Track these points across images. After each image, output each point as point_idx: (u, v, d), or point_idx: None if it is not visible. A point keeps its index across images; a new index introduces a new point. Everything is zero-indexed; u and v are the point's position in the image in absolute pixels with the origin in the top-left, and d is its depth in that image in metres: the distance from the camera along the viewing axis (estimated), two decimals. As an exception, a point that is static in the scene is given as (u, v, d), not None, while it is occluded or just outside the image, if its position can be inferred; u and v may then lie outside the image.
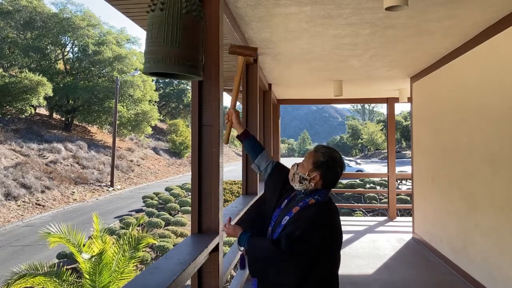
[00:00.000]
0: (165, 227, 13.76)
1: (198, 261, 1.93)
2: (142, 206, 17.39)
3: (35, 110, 25.82)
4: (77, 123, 29.25)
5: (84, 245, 6.73)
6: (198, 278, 2.25)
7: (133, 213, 16.43)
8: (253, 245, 1.81)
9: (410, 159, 6.78)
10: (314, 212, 1.76)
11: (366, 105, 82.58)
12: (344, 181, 18.11)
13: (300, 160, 1.97)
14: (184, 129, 35.02)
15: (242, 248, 1.92)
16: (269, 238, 1.87)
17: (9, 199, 16.14)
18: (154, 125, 32.47)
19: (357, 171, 25.40)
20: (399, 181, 19.55)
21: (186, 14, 1.75)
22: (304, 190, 1.84)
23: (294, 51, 4.61)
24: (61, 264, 9.74)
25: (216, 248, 2.26)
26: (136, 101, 28.31)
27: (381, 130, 50.20)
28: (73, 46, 29.79)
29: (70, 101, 27.16)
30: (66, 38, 28.88)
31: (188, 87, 40.95)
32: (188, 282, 2.09)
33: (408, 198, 13.76)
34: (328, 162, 1.81)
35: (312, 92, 8.14)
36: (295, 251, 1.66)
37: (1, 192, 16.03)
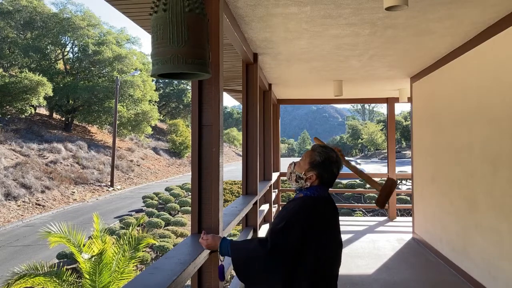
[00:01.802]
0: (165, 227, 13.77)
1: (198, 261, 1.93)
2: (142, 206, 17.39)
3: (35, 110, 25.82)
4: (77, 123, 29.26)
5: (84, 245, 6.74)
6: (198, 278, 2.25)
7: (133, 213, 16.43)
8: (236, 250, 1.78)
9: (410, 159, 6.78)
10: (296, 204, 1.75)
11: (366, 105, 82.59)
12: (344, 181, 18.10)
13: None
14: (184, 129, 35.02)
15: (222, 258, 1.88)
16: (255, 238, 1.86)
17: (9, 199, 16.14)
18: (154, 125, 32.48)
19: (357, 171, 25.34)
20: (399, 181, 19.54)
21: (189, 12, 1.75)
22: (298, 187, 1.86)
23: (294, 51, 4.61)
24: (61, 264, 9.75)
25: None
26: (136, 101, 28.32)
27: (381, 130, 50.21)
28: (73, 46, 29.83)
29: (70, 101, 27.17)
30: (66, 38, 28.90)
31: (188, 87, 40.95)
32: (188, 282, 2.09)
33: (408, 198, 13.76)
34: (324, 162, 1.81)
35: (312, 92, 8.14)
36: (278, 247, 1.64)
37: (1, 192, 16.03)
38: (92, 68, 28.40)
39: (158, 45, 1.77)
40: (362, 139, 55.08)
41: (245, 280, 1.77)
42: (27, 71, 22.62)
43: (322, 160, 1.81)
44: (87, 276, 6.09)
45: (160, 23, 1.75)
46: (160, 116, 35.90)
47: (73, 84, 26.74)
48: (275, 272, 1.64)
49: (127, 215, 15.67)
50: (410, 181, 6.74)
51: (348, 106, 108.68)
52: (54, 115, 29.41)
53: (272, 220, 1.88)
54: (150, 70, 1.89)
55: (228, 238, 1.89)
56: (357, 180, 19.03)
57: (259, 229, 4.50)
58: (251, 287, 1.80)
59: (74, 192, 19.42)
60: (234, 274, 2.12)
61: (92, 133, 29.85)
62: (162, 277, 1.57)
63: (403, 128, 44.57)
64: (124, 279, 6.28)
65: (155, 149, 33.44)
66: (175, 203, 17.45)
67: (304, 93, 8.28)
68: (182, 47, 1.73)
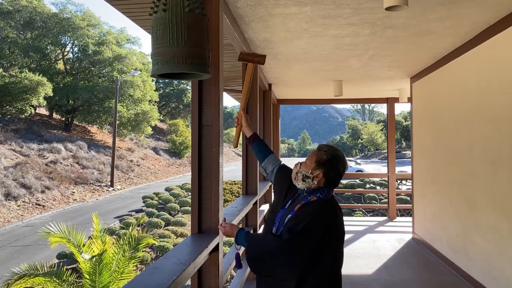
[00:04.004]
0: (165, 227, 13.76)
1: (198, 261, 1.93)
2: (142, 206, 17.39)
3: (35, 110, 25.82)
4: (77, 123, 29.26)
5: (84, 245, 6.73)
6: (198, 278, 2.25)
7: (133, 213, 16.43)
8: (252, 241, 1.82)
9: (410, 159, 6.78)
10: (315, 207, 1.77)
11: (366, 105, 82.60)
12: (344, 181, 18.10)
13: (301, 159, 1.97)
14: (184, 129, 35.02)
15: (239, 247, 1.92)
16: (269, 233, 1.87)
17: (9, 199, 16.13)
18: (154, 125, 32.48)
19: (357, 171, 25.39)
20: (399, 181, 19.54)
21: (189, 13, 1.75)
22: (306, 188, 1.85)
23: (294, 51, 4.61)
24: (61, 264, 9.75)
25: (216, 248, 2.26)
26: (136, 101, 28.31)
27: (381, 130, 50.21)
28: (73, 46, 29.82)
29: (70, 101, 27.17)
30: (66, 38, 28.90)
31: (188, 87, 40.95)
32: (188, 282, 2.09)
33: (408, 198, 13.76)
34: (331, 161, 1.82)
35: (312, 92, 8.14)
36: (296, 244, 1.66)
37: (1, 192, 16.02)
38: (92, 68, 28.39)
39: (158, 45, 1.77)
40: (362, 139, 55.09)
41: (258, 271, 1.79)
42: (27, 71, 22.61)
43: (329, 158, 1.82)
44: (87, 276, 6.09)
45: (160, 23, 1.75)
46: (160, 116, 35.90)
47: (73, 84, 26.73)
48: (290, 268, 1.67)
49: (127, 215, 15.67)
50: (410, 181, 6.74)
51: (348, 106, 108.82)
52: (54, 115, 29.40)
53: (286, 221, 1.89)
54: (150, 70, 1.89)
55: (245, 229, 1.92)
56: (357, 180, 19.06)
57: (259, 229, 4.50)
58: (263, 278, 1.82)
59: (74, 192, 19.42)
60: (235, 274, 2.12)
61: (92, 133, 29.85)
62: (162, 277, 1.57)
63: (403, 128, 44.57)
64: (124, 279, 6.27)
65: (155, 149, 33.44)
66: (175, 203, 17.44)
67: (304, 93, 8.28)
68: (182, 47, 1.73)
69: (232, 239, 1.95)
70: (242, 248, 1.98)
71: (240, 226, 1.99)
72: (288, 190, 2.00)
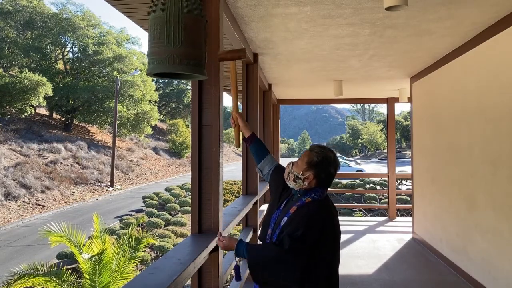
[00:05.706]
0: (165, 227, 13.76)
1: (198, 261, 1.93)
2: (142, 206, 17.39)
3: (35, 110, 25.82)
4: (77, 123, 29.26)
5: (84, 245, 6.73)
6: (198, 278, 2.25)
7: (133, 213, 16.42)
8: (253, 252, 1.80)
9: (410, 159, 6.78)
10: (311, 209, 1.77)
11: (366, 105, 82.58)
12: (344, 181, 18.10)
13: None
14: (184, 129, 35.02)
15: (238, 259, 1.90)
16: (269, 242, 1.86)
17: (9, 199, 16.13)
18: (154, 125, 32.48)
19: (357, 171, 25.37)
20: (399, 181, 19.54)
21: (187, 13, 1.75)
22: (299, 189, 1.86)
23: (294, 51, 4.61)
24: (61, 264, 9.74)
25: (216, 248, 2.26)
26: (136, 101, 28.32)
27: (381, 130, 50.21)
28: (73, 46, 29.82)
29: (70, 101, 27.17)
30: (66, 38, 28.90)
31: (188, 87, 40.96)
32: (188, 282, 2.09)
33: (408, 198, 13.76)
34: (322, 162, 1.83)
35: (312, 92, 8.14)
36: (298, 249, 1.66)
37: (1, 192, 16.02)
38: (92, 68, 28.40)
39: (154, 45, 1.77)
40: (362, 139, 55.04)
41: (260, 281, 1.78)
42: (27, 71, 22.60)
43: (319, 160, 1.83)
44: (87, 276, 6.09)
45: (157, 23, 1.75)
46: (160, 116, 35.90)
47: (73, 84, 26.74)
48: (293, 273, 1.66)
49: (127, 215, 15.66)
50: (410, 181, 6.74)
51: (348, 106, 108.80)
52: (54, 115, 29.41)
53: (282, 224, 1.88)
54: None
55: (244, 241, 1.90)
56: (357, 180, 19.06)
57: (259, 229, 4.50)
58: (263, 286, 1.82)
59: (74, 192, 19.42)
60: (234, 274, 2.12)
61: (92, 133, 29.85)
62: (162, 277, 1.57)
63: (403, 128, 44.55)
64: (124, 279, 6.27)
65: (155, 149, 33.43)
66: (175, 203, 17.44)
67: (304, 93, 8.28)
68: (178, 47, 1.73)
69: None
70: (242, 261, 1.97)
71: (238, 238, 1.98)
72: (283, 191, 2.01)
